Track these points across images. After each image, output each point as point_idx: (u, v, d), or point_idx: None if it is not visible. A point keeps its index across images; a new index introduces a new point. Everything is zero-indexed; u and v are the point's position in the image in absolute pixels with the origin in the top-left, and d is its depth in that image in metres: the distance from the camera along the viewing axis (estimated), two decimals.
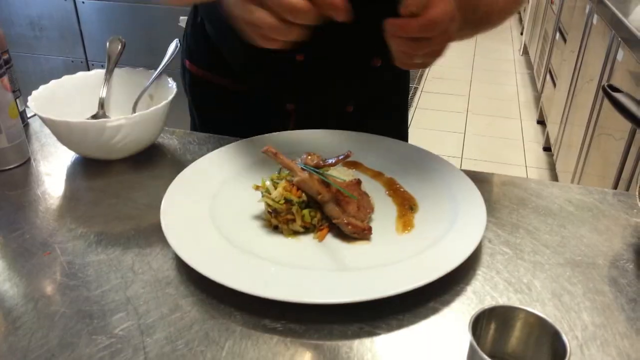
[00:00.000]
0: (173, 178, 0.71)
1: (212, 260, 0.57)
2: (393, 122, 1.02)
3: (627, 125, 1.58)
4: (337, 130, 0.84)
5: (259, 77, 0.90)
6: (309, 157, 0.65)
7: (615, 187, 1.64)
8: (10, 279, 0.58)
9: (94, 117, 0.87)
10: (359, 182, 0.66)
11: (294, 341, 0.51)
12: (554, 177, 2.61)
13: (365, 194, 0.67)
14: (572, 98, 2.42)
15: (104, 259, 0.61)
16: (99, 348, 0.50)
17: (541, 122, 3.29)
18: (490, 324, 0.45)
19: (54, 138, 0.82)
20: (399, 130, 1.04)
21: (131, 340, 0.50)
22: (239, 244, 0.61)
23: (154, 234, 0.65)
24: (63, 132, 0.77)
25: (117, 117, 0.76)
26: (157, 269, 0.60)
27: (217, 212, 0.66)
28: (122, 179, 0.78)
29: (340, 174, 0.68)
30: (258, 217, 0.67)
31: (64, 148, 0.82)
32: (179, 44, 0.91)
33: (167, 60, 0.89)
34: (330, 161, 0.65)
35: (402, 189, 0.72)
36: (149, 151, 0.84)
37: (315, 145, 0.80)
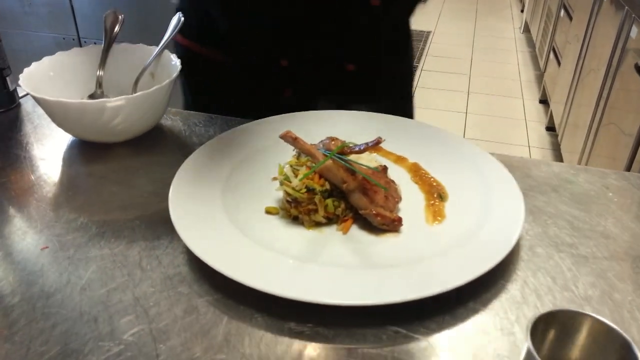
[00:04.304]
0: (179, 163, 0.66)
1: (227, 254, 0.52)
2: (398, 89, 0.99)
3: None
4: (353, 111, 0.78)
5: (252, 35, 0.84)
6: (332, 142, 0.59)
7: (628, 169, 1.59)
8: (3, 278, 0.53)
9: (92, 96, 0.81)
10: (385, 169, 0.61)
11: (324, 347, 0.46)
12: (559, 158, 2.56)
13: (392, 181, 0.62)
14: (579, 77, 2.36)
15: (107, 254, 0.56)
16: (107, 356, 0.44)
17: (543, 101, 3.23)
18: (549, 329, 0.40)
19: (48, 119, 0.75)
20: (404, 103, 1.01)
21: (142, 347, 0.45)
22: (255, 236, 0.56)
23: (162, 225, 0.59)
24: (58, 113, 0.71)
25: (117, 96, 0.70)
26: (167, 265, 0.54)
27: (230, 201, 0.61)
28: (124, 164, 0.72)
29: (361, 160, 0.62)
30: (275, 207, 0.61)
31: (60, 130, 0.76)
32: (181, 18, 0.84)
33: (170, 36, 0.82)
34: (358, 148, 0.59)
35: (428, 175, 0.67)
36: (152, 134, 0.78)
37: (331, 127, 0.74)
